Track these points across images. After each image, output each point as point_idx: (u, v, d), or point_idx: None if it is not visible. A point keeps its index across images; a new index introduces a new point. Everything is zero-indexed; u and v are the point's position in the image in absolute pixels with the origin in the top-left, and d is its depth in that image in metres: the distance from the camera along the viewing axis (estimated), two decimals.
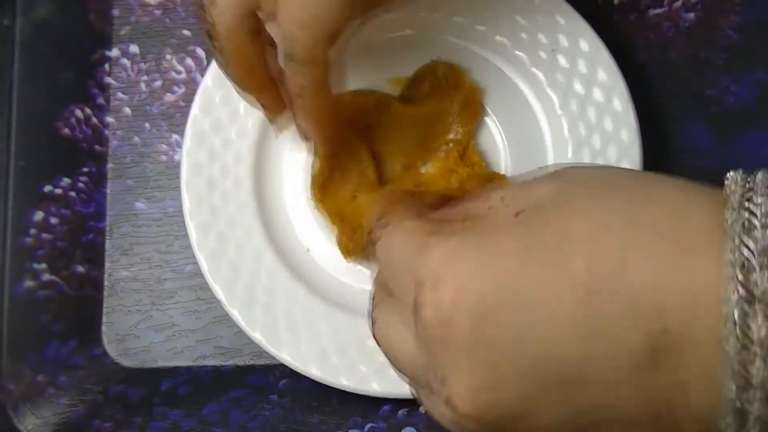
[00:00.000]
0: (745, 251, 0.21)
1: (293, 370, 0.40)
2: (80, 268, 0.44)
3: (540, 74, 0.42)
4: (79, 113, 0.45)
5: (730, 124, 0.44)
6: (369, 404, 0.41)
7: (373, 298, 0.31)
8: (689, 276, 0.22)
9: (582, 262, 0.23)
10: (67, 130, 0.45)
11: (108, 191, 0.45)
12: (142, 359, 0.44)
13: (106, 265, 0.44)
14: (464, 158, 0.41)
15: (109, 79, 0.46)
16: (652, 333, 0.22)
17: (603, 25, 0.42)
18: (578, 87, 0.41)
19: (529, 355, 0.23)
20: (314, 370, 0.39)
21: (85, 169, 0.45)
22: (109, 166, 0.45)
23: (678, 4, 0.45)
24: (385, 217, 0.29)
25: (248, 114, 0.42)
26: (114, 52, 0.46)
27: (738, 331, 0.21)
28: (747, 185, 0.23)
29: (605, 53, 0.41)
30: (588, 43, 0.41)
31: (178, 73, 0.46)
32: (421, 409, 0.41)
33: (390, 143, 0.41)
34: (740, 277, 0.21)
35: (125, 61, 0.46)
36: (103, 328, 0.44)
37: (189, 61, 0.46)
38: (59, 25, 0.45)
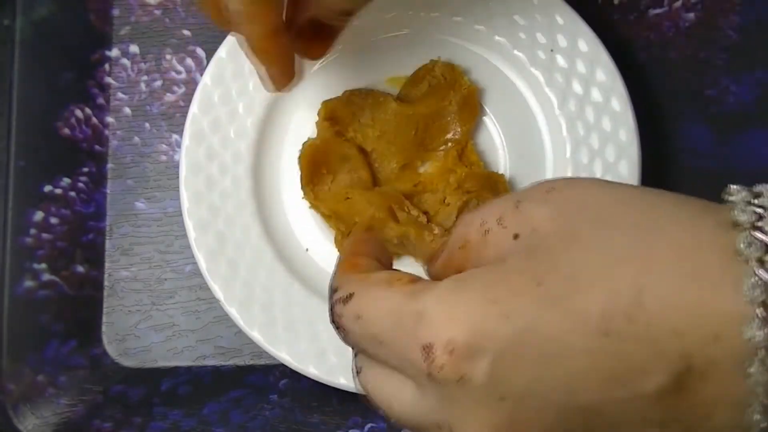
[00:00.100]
0: (764, 274, 0.21)
1: (293, 370, 0.40)
2: (80, 268, 0.44)
3: (539, 74, 0.42)
4: (79, 113, 0.45)
5: (730, 124, 0.44)
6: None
7: (355, 354, 0.28)
8: (708, 303, 0.21)
9: (595, 303, 0.22)
10: (67, 130, 0.45)
11: (108, 191, 0.45)
12: (142, 359, 0.44)
13: (106, 265, 0.45)
14: (463, 158, 0.41)
15: (109, 79, 0.46)
16: (675, 369, 0.21)
17: (603, 25, 0.42)
18: (577, 87, 0.41)
19: (550, 399, 0.22)
20: (313, 369, 0.39)
21: (85, 169, 0.45)
22: (109, 166, 0.45)
23: (678, 4, 0.45)
24: (343, 287, 0.26)
25: (247, 113, 0.42)
26: (114, 52, 0.46)
27: (763, 353, 0.21)
28: (753, 203, 0.22)
29: (604, 53, 0.41)
30: (587, 43, 0.41)
31: (178, 73, 0.46)
32: None
33: (388, 142, 0.41)
34: (761, 299, 0.21)
35: (125, 61, 0.46)
36: (103, 328, 0.44)
37: (189, 61, 0.46)
38: (59, 25, 0.45)
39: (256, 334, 0.40)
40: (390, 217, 0.39)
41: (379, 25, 0.42)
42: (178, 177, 0.41)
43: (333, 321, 0.26)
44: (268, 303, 0.40)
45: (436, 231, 0.39)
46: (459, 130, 0.41)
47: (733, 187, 0.23)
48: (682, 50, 0.45)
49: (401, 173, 0.41)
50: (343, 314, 0.26)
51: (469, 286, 0.23)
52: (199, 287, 0.44)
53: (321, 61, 0.42)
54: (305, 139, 0.41)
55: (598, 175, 0.40)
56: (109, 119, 0.46)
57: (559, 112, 0.41)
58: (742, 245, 0.21)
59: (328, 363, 0.39)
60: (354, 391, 0.39)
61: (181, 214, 0.41)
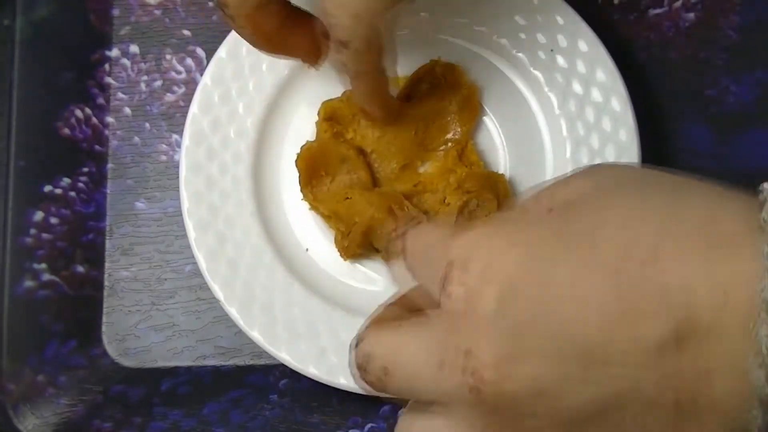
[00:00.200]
0: None
1: (293, 370, 0.40)
2: (80, 268, 0.44)
3: (539, 74, 0.42)
4: (79, 113, 0.45)
5: (730, 124, 0.44)
6: (369, 404, 0.41)
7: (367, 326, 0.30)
8: (722, 267, 0.22)
9: (613, 247, 0.23)
10: (67, 130, 0.45)
11: (108, 191, 0.45)
12: (142, 359, 0.44)
13: (106, 265, 0.45)
14: (463, 158, 0.41)
15: (109, 79, 0.46)
16: (679, 319, 0.22)
17: (603, 25, 0.42)
18: (577, 87, 0.41)
19: (553, 333, 0.23)
20: (313, 369, 0.39)
21: (85, 169, 0.45)
22: (109, 166, 0.45)
23: (678, 4, 0.45)
24: (401, 227, 0.30)
25: (247, 113, 0.42)
26: (114, 52, 0.46)
27: None
28: None
29: (604, 53, 0.41)
30: (587, 43, 0.41)
31: (178, 73, 0.46)
32: None
33: (389, 143, 0.41)
34: None
35: (125, 61, 0.46)
36: (103, 328, 0.44)
37: (189, 61, 0.46)
38: (59, 25, 0.45)
39: (256, 334, 0.40)
40: (390, 216, 0.39)
41: None
42: (178, 177, 0.41)
43: (392, 247, 0.30)
44: (268, 303, 0.40)
45: None
46: (459, 130, 0.41)
47: (765, 184, 0.24)
48: (682, 50, 0.45)
49: (401, 173, 0.41)
50: (408, 235, 0.29)
51: (501, 224, 0.26)
52: (199, 287, 0.44)
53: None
54: (305, 139, 0.41)
55: None
56: (109, 119, 0.46)
57: (559, 112, 0.41)
58: (765, 220, 0.22)
59: (328, 363, 0.39)
60: (353, 390, 0.39)
61: (181, 214, 0.41)
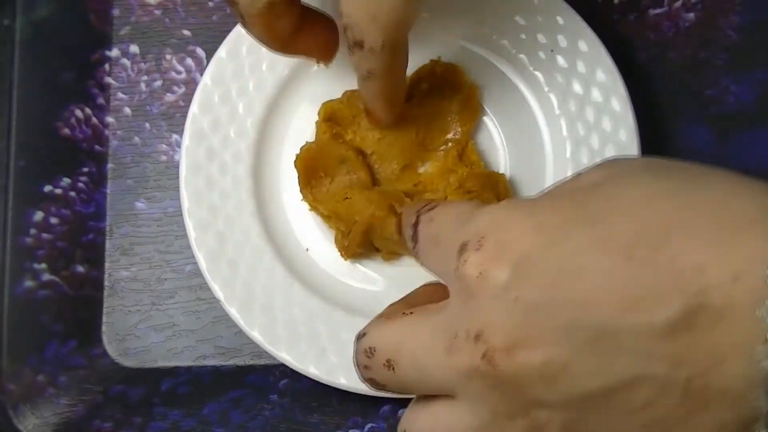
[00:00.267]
0: None
1: (293, 370, 0.40)
2: (80, 268, 0.44)
3: (539, 74, 0.42)
4: (79, 113, 0.45)
5: (730, 124, 0.44)
6: (369, 404, 0.41)
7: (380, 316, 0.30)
8: (735, 250, 0.22)
9: (627, 231, 0.23)
10: (67, 130, 0.45)
11: (108, 191, 0.45)
12: (142, 359, 0.44)
13: (106, 265, 0.45)
14: (463, 158, 0.41)
15: (109, 79, 0.46)
16: (691, 300, 0.22)
17: (603, 25, 0.42)
18: (577, 87, 0.41)
19: (566, 316, 0.23)
20: (313, 369, 0.39)
21: (85, 169, 0.45)
22: (109, 166, 0.45)
23: (678, 4, 0.45)
24: (428, 204, 0.30)
25: (247, 113, 0.42)
26: (114, 52, 0.46)
27: None
28: None
29: (604, 53, 0.41)
30: (587, 43, 0.41)
31: (178, 73, 0.46)
32: None
33: (389, 144, 0.41)
34: None
35: (125, 61, 0.46)
36: (103, 328, 0.44)
37: (189, 61, 0.46)
38: (59, 25, 0.45)
39: (256, 334, 0.40)
40: (391, 214, 0.39)
41: None
42: (178, 177, 0.41)
43: (413, 225, 0.30)
44: (268, 303, 0.40)
45: None
46: (459, 130, 0.41)
47: None
48: (682, 50, 0.45)
49: (401, 174, 0.41)
50: (422, 220, 0.29)
51: (515, 206, 0.26)
52: (199, 287, 0.44)
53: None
54: (306, 139, 0.41)
55: None
56: (109, 119, 0.46)
57: (559, 112, 0.41)
58: None
59: (328, 363, 0.39)
60: (353, 390, 0.39)
61: (181, 214, 0.41)
